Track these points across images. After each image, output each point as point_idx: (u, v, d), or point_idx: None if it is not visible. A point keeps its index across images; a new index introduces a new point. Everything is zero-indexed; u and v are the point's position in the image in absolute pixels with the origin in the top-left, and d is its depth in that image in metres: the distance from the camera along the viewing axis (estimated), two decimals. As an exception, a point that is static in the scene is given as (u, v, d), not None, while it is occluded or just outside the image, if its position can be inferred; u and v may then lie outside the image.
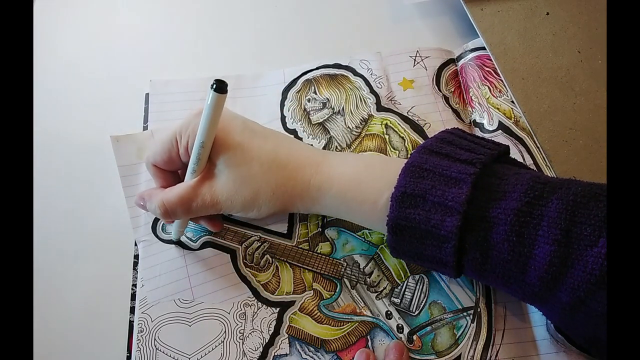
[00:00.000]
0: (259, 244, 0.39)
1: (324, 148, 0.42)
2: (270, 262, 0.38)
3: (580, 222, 0.26)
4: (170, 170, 0.37)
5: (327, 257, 0.38)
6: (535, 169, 0.40)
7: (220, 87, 0.29)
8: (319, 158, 0.35)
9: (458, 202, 0.27)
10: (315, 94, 0.45)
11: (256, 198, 0.34)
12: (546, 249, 0.26)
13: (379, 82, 0.45)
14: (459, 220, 0.27)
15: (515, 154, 0.40)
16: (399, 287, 0.37)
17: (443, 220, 0.28)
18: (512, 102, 0.43)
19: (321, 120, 0.44)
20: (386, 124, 0.43)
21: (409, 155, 0.37)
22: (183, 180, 0.35)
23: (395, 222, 0.29)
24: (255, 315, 0.36)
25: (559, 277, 0.26)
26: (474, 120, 0.43)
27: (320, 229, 0.39)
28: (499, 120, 0.42)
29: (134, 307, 0.37)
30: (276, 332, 0.36)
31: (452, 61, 0.47)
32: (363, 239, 0.39)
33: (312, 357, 0.35)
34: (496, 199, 0.28)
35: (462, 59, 0.46)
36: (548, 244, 0.26)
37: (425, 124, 0.43)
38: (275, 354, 0.35)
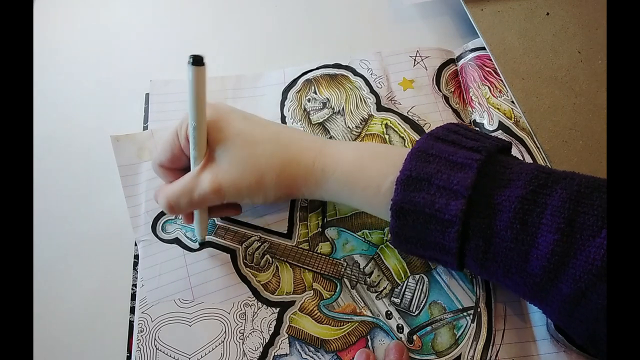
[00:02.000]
0: (259, 244, 0.39)
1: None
2: (270, 262, 0.38)
3: (583, 212, 0.26)
4: (179, 169, 0.37)
5: (327, 257, 0.38)
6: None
7: (197, 59, 0.29)
8: (322, 142, 0.35)
9: (463, 186, 0.27)
10: (316, 94, 0.45)
11: (261, 182, 0.34)
12: (549, 237, 0.26)
13: (379, 82, 0.45)
14: (463, 204, 0.27)
15: (515, 154, 0.40)
16: (399, 287, 0.37)
17: (448, 204, 0.28)
18: (512, 102, 0.43)
19: (321, 120, 0.44)
20: (386, 124, 0.43)
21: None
22: None
23: (399, 206, 0.29)
24: (255, 315, 0.36)
25: (561, 267, 0.26)
26: (474, 120, 0.43)
27: (320, 229, 0.39)
28: (499, 120, 0.42)
29: (134, 307, 0.37)
30: (276, 332, 0.36)
31: (452, 61, 0.47)
32: (363, 239, 0.39)
33: (312, 357, 0.35)
34: (501, 186, 0.28)
35: (462, 59, 0.46)
36: (551, 232, 0.26)
37: (425, 124, 0.43)
38: (275, 354, 0.35)
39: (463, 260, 0.30)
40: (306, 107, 0.44)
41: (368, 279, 0.37)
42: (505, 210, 0.27)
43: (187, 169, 0.36)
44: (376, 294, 0.37)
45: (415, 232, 0.30)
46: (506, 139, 0.33)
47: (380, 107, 0.44)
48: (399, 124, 0.43)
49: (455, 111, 0.44)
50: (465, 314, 0.36)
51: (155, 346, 0.35)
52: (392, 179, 0.30)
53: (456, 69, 0.46)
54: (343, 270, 0.38)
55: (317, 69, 0.46)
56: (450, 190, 0.28)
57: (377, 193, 0.32)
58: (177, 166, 0.37)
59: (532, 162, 0.40)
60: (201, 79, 0.30)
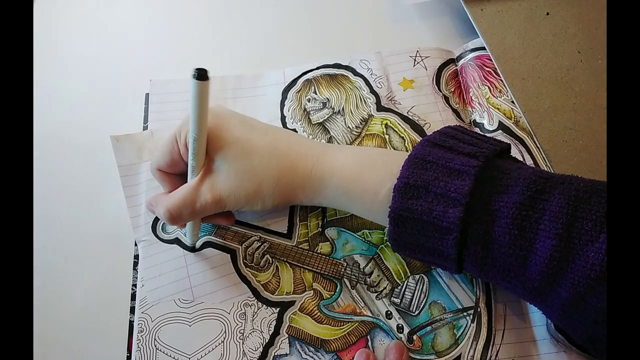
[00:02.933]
0: (259, 244, 0.39)
1: (324, 148, 0.42)
2: (270, 262, 0.38)
3: (581, 217, 0.26)
4: (176, 174, 0.37)
5: (327, 257, 0.38)
6: (535, 169, 0.40)
7: (201, 74, 0.29)
8: (320, 149, 0.35)
9: (461, 193, 0.28)
10: (316, 94, 0.45)
11: (259, 190, 0.34)
12: (547, 243, 0.26)
13: (379, 82, 0.45)
14: (461, 211, 0.27)
15: (515, 154, 0.40)
16: (399, 287, 0.37)
17: (445, 212, 0.28)
18: (512, 102, 0.43)
19: (321, 120, 0.44)
20: (386, 124, 0.43)
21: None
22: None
23: (397, 213, 0.29)
24: (255, 315, 0.36)
25: (559, 272, 0.26)
26: (474, 120, 0.43)
27: (320, 229, 0.39)
28: (499, 120, 0.42)
29: (134, 307, 0.37)
30: (276, 332, 0.36)
31: (452, 61, 0.47)
32: (363, 239, 0.39)
33: (312, 357, 0.35)
34: (498, 192, 0.28)
35: (462, 59, 0.46)
36: (549, 238, 0.26)
37: (425, 124, 0.43)
38: (275, 354, 0.35)
39: (462, 265, 0.30)
40: (306, 107, 0.44)
41: (368, 279, 0.37)
42: (503, 217, 0.27)
43: (184, 174, 0.36)
44: (376, 294, 0.37)
45: (413, 238, 0.30)
46: (505, 140, 0.33)
47: (380, 107, 0.44)
48: (399, 124, 0.43)
49: (455, 111, 0.44)
50: (465, 314, 0.36)
51: (155, 346, 0.35)
52: (389, 186, 0.30)
53: (456, 69, 0.46)
54: (343, 270, 0.38)
55: (317, 69, 0.46)
56: (448, 197, 0.28)
57: (374, 200, 0.32)
58: (175, 171, 0.37)
59: (532, 162, 0.40)
60: (204, 93, 0.30)
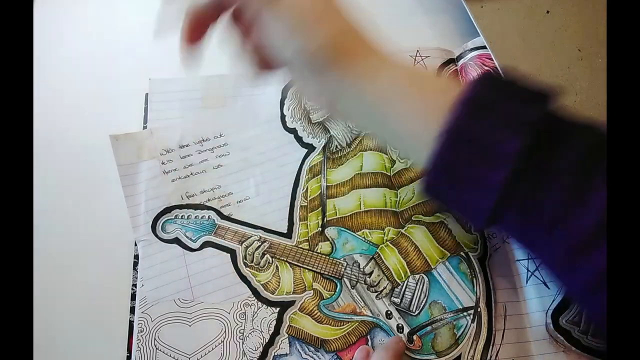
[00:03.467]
0: (259, 244, 0.39)
1: (324, 147, 0.42)
2: (270, 261, 0.38)
3: None
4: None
5: (327, 257, 0.38)
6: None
7: None
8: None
9: (531, 119, 0.24)
10: (315, 93, 0.45)
11: (327, 13, 0.30)
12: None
13: (379, 82, 0.45)
14: (528, 140, 0.24)
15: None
16: (399, 287, 0.37)
17: (510, 139, 0.24)
18: (513, 101, 0.43)
19: (321, 119, 0.44)
20: (386, 124, 0.43)
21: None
22: None
23: (453, 129, 0.25)
24: (255, 315, 0.36)
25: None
26: (474, 119, 0.43)
27: (320, 229, 0.39)
28: (499, 120, 0.42)
29: (134, 307, 0.37)
30: (276, 332, 0.36)
31: (452, 61, 0.47)
32: (363, 239, 0.39)
33: (312, 357, 0.35)
34: (570, 130, 0.25)
35: (462, 59, 0.46)
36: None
37: (425, 123, 0.43)
38: (275, 353, 0.35)
39: (502, 207, 0.26)
40: (306, 106, 0.44)
41: (368, 279, 0.37)
42: (570, 157, 0.24)
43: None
44: (376, 293, 0.37)
45: (459, 163, 0.26)
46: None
47: (380, 107, 0.44)
48: (399, 123, 0.43)
49: (455, 110, 0.44)
50: (465, 314, 0.36)
51: (155, 346, 0.35)
52: (453, 99, 0.26)
53: (456, 69, 0.46)
54: (343, 270, 0.38)
55: (317, 68, 0.46)
56: (517, 121, 0.25)
57: (428, 110, 0.27)
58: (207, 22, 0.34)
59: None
60: None
